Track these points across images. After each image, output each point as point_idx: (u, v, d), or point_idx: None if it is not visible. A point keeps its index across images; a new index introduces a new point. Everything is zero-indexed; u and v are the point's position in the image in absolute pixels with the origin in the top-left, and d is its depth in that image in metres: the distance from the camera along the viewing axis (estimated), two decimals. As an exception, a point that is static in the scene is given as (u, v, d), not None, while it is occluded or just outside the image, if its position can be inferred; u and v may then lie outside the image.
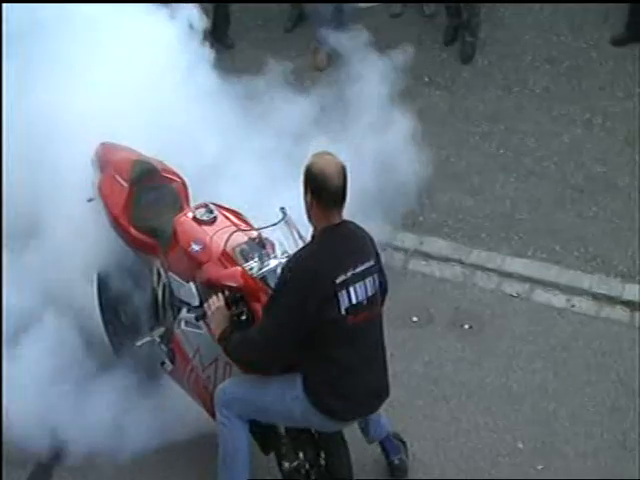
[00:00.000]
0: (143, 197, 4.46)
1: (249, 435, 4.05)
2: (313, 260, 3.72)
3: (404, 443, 4.38)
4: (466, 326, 5.04)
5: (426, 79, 6.30)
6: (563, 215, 5.61)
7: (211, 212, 4.17)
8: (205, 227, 4.13)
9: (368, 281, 3.78)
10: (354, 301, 3.74)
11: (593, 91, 6.32)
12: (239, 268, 3.92)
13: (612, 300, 5.15)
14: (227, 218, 4.17)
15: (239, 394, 4.00)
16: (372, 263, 3.81)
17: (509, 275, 5.29)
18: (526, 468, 4.44)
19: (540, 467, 4.44)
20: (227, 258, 3.97)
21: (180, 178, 4.53)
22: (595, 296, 5.17)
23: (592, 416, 4.62)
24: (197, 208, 4.21)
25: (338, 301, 3.71)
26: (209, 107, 4.89)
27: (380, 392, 3.96)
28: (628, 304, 5.12)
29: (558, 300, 5.18)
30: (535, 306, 5.14)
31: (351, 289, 3.73)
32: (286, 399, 3.87)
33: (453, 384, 4.76)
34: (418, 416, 4.63)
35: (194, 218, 4.16)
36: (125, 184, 4.46)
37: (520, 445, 4.53)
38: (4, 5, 4.77)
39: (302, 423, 3.97)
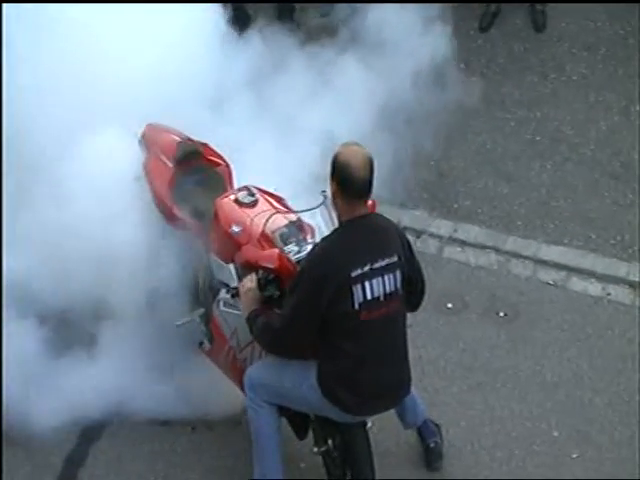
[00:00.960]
0: (188, 178, 4.48)
1: (278, 419, 4.08)
2: (330, 251, 3.73)
3: (438, 426, 4.39)
4: (501, 314, 5.02)
5: (462, 65, 6.26)
6: (599, 202, 5.57)
7: (252, 195, 4.18)
8: (246, 210, 4.15)
9: (387, 277, 3.74)
10: (369, 297, 3.71)
11: (630, 78, 6.25)
12: (277, 250, 3.94)
13: (649, 289, 5.13)
14: (268, 202, 4.19)
15: (263, 379, 4.03)
16: (395, 260, 3.75)
17: (545, 263, 5.26)
18: (561, 456, 4.43)
19: (575, 455, 4.44)
20: (266, 240, 4.00)
21: (225, 161, 4.54)
22: (631, 284, 5.14)
23: (627, 405, 4.60)
24: (239, 190, 4.23)
25: (352, 295, 3.70)
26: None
27: (397, 389, 3.93)
28: (665, 293, 5.11)
29: (594, 288, 5.14)
30: (571, 294, 5.11)
31: (367, 284, 3.71)
32: (303, 387, 3.89)
33: (488, 371, 4.75)
34: (452, 403, 4.63)
35: (235, 200, 4.18)
36: (170, 164, 4.49)
37: (555, 433, 4.53)
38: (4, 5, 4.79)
39: (319, 412, 3.98)
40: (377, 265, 3.72)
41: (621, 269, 5.21)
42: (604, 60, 6.41)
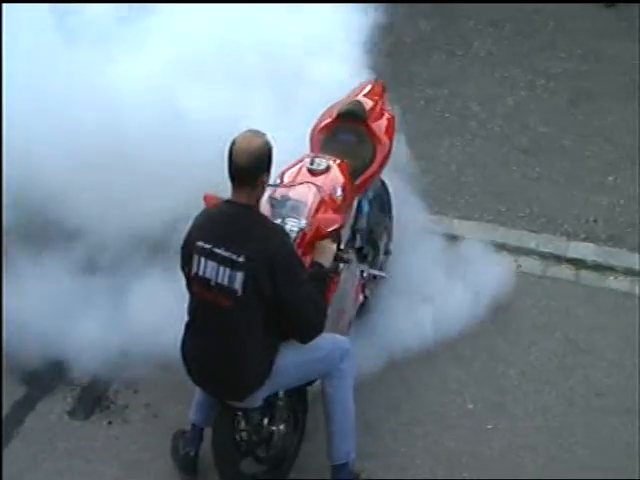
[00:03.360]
0: (340, 133, 4.55)
1: None
2: (199, 217, 3.89)
3: None
4: (415, 290, 5.04)
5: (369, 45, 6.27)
6: (508, 176, 5.65)
7: (319, 166, 4.27)
8: (303, 173, 4.24)
9: (223, 270, 3.74)
10: (200, 273, 3.79)
11: (535, 53, 6.36)
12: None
13: (558, 259, 5.20)
14: (328, 175, 4.24)
15: None
16: (240, 260, 3.70)
17: (456, 238, 5.30)
18: (476, 428, 4.46)
19: (490, 427, 4.47)
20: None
21: (388, 141, 4.58)
22: (541, 255, 5.22)
23: (540, 375, 4.66)
24: (316, 157, 4.32)
25: (192, 262, 3.82)
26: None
27: (219, 382, 3.89)
28: (574, 262, 5.19)
29: (505, 261, 5.20)
30: (482, 268, 5.16)
31: (202, 260, 3.78)
32: None
33: (402, 349, 4.76)
34: (369, 382, 4.62)
35: (310, 162, 4.29)
36: (334, 114, 4.57)
37: (470, 406, 4.56)
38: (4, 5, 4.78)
39: None
40: (217, 251, 3.76)
41: (531, 241, 5.29)
42: (509, 36, 6.50)
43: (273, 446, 4.10)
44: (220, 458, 4.00)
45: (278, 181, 4.22)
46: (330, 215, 4.12)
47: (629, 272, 5.12)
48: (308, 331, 3.83)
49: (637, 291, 5.02)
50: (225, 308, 3.77)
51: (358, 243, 4.58)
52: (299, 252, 3.97)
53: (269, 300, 3.74)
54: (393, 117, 4.75)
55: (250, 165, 3.72)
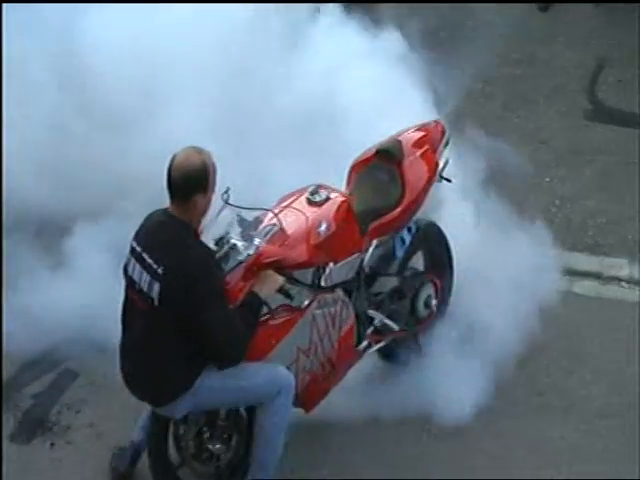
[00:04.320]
0: (376, 171, 4.49)
1: None
2: (145, 217, 3.90)
3: None
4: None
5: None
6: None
7: (317, 197, 4.18)
8: (300, 201, 4.19)
9: (146, 275, 3.78)
10: (129, 273, 3.85)
11: (471, 58, 6.40)
12: None
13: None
14: (320, 209, 4.16)
15: None
16: (158, 271, 3.72)
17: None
18: (423, 433, 4.48)
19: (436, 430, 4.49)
20: None
21: (420, 189, 4.48)
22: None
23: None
24: (321, 187, 4.23)
25: (127, 260, 3.90)
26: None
27: (137, 384, 3.95)
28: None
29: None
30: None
31: (132, 261, 3.85)
32: None
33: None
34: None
35: (311, 192, 4.21)
36: (373, 149, 4.50)
37: (416, 411, 4.58)
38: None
39: None
40: (144, 255, 3.81)
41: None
42: (444, 42, 6.52)
43: (214, 464, 4.08)
44: (153, 461, 4.05)
45: (274, 204, 4.18)
46: (275, 248, 4.00)
47: (567, 272, 5.18)
48: (222, 357, 3.81)
49: (574, 290, 5.09)
50: (144, 312, 3.81)
51: (380, 288, 4.48)
52: (239, 274, 3.92)
53: (187, 317, 3.72)
54: (437, 164, 4.60)
55: (182, 181, 3.72)
